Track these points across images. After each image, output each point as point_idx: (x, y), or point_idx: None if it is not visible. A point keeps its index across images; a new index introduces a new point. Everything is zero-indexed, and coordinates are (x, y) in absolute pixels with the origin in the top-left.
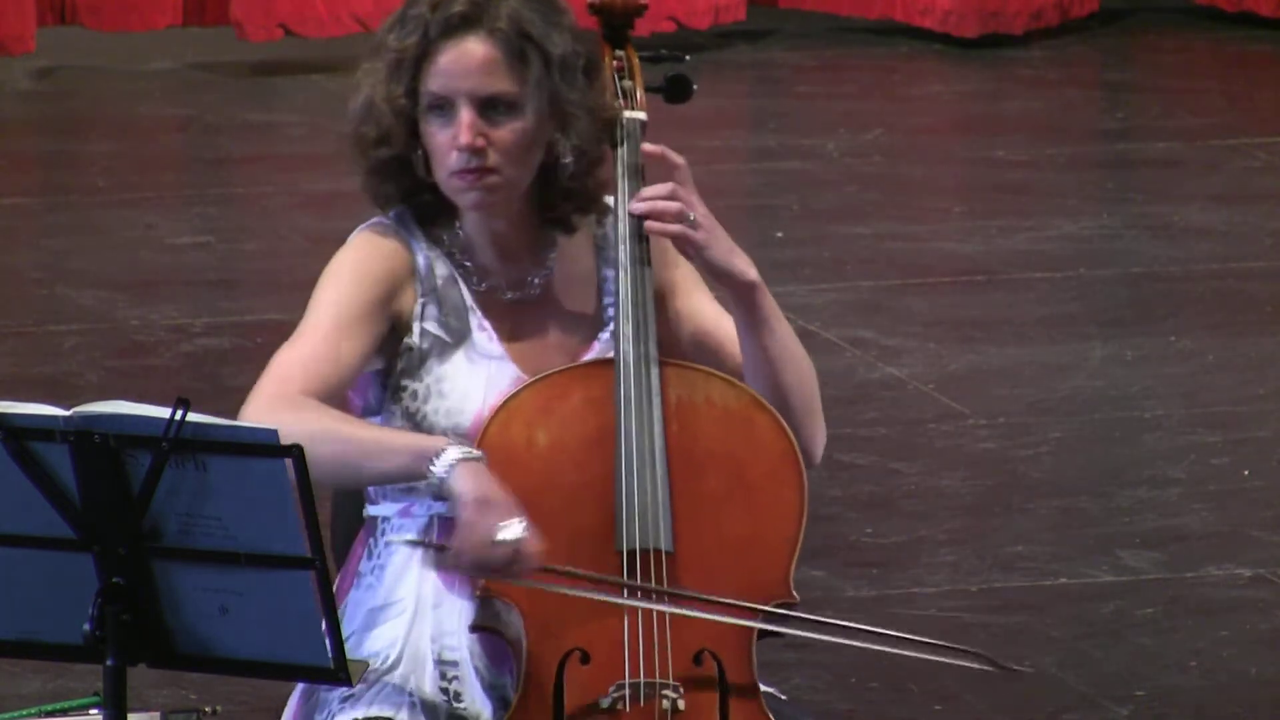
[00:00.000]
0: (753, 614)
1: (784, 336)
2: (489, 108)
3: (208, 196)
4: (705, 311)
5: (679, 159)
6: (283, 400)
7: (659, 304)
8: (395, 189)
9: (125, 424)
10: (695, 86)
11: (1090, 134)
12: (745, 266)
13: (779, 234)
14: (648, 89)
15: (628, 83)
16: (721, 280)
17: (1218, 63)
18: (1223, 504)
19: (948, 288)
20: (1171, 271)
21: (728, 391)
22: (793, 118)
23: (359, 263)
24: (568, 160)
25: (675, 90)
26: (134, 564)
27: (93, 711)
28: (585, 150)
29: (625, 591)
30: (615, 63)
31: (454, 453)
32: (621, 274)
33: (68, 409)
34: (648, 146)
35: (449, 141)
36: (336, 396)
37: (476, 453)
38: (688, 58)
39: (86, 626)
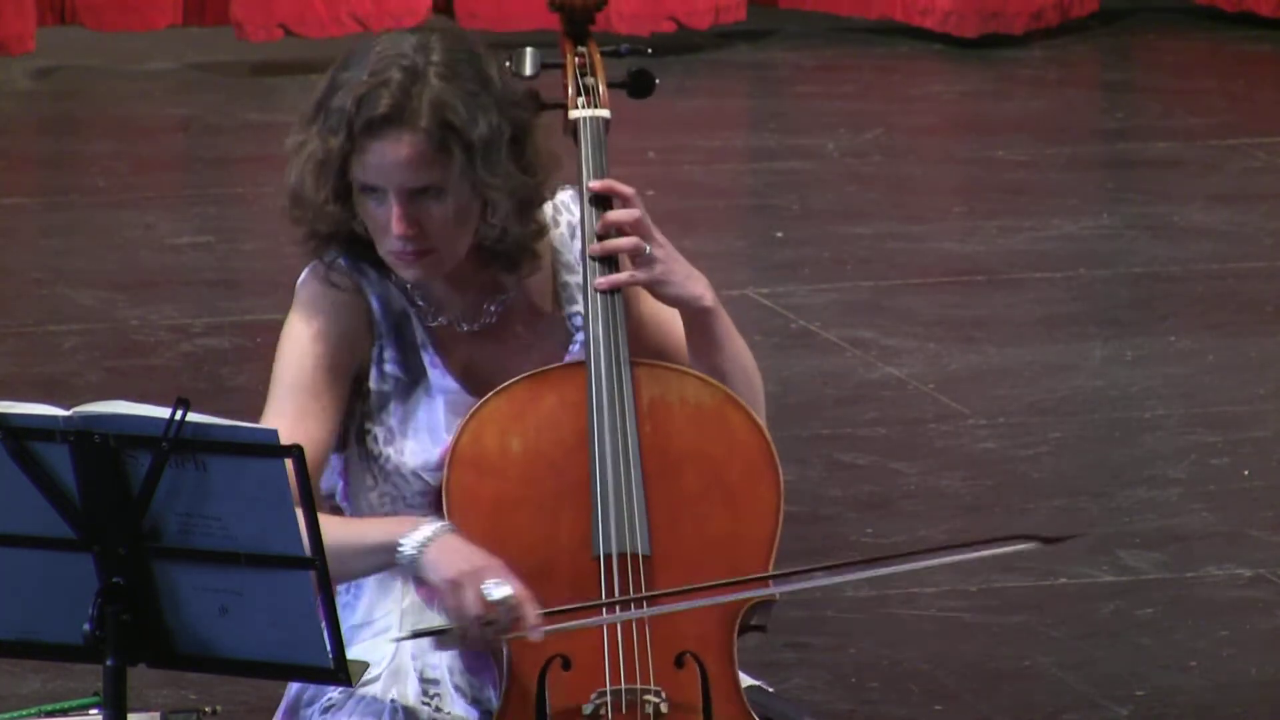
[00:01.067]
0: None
1: (735, 353)
2: (417, 194)
3: (208, 196)
4: (670, 318)
5: (627, 189)
6: None
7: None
8: (338, 246)
9: (125, 424)
10: (658, 81)
11: (1090, 134)
12: (701, 291)
13: (779, 234)
14: (611, 85)
15: (590, 79)
16: (678, 307)
17: (1218, 63)
18: (1223, 504)
19: (948, 288)
20: (1171, 271)
21: (701, 390)
22: (793, 118)
23: (313, 333)
24: (491, 237)
25: (638, 85)
26: (134, 564)
27: (93, 711)
28: (506, 229)
29: (631, 605)
30: (577, 59)
31: (415, 539)
32: (589, 279)
33: (68, 409)
34: (594, 183)
35: (385, 223)
36: (325, 452)
37: (439, 527)
38: (650, 51)
39: (86, 626)
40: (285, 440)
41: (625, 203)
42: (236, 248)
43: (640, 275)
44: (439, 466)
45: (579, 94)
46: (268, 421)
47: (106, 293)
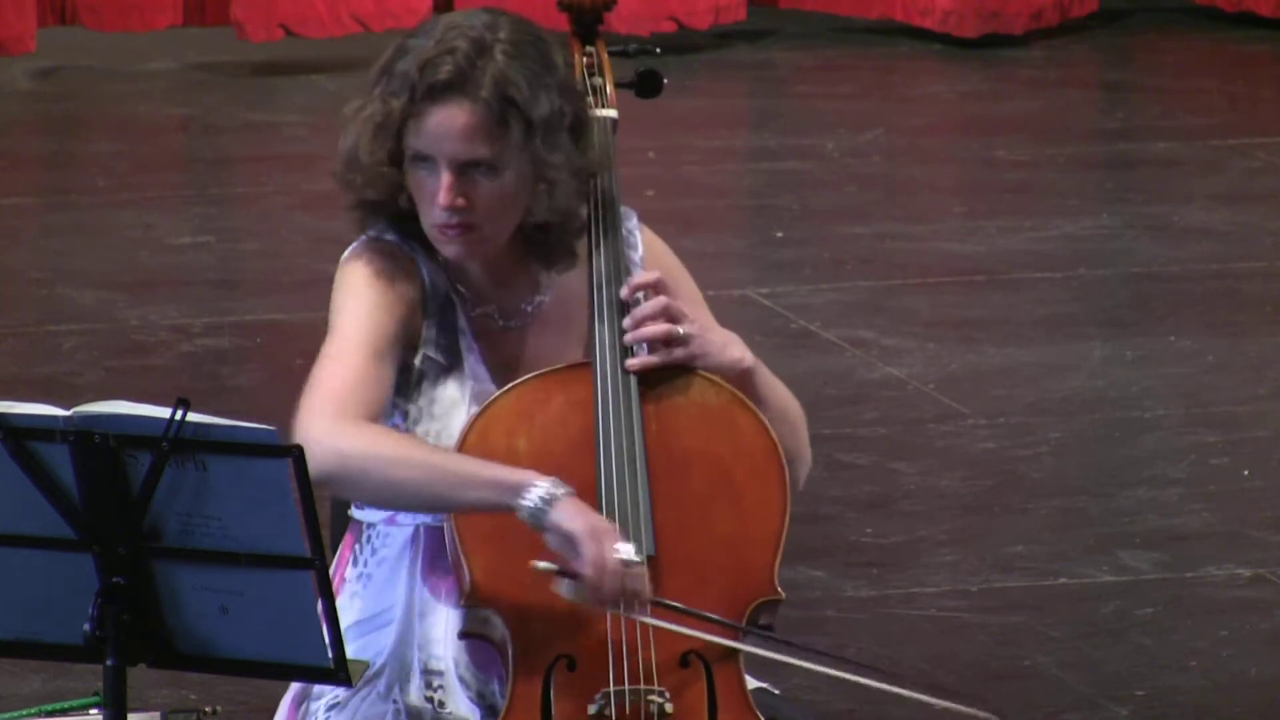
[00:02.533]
0: (739, 634)
1: (776, 402)
2: (469, 167)
3: (208, 196)
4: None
5: (651, 276)
6: (349, 423)
7: None
8: (386, 220)
9: (125, 424)
10: (665, 80)
11: (1090, 134)
12: (739, 355)
13: (779, 234)
14: (618, 85)
15: (598, 79)
16: (719, 374)
17: (1218, 63)
18: (1223, 504)
19: (948, 288)
20: (1171, 271)
21: (708, 390)
22: (793, 118)
23: (383, 281)
24: (544, 219)
25: (646, 85)
26: (134, 564)
27: (93, 711)
28: (569, 211)
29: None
30: (585, 59)
31: (544, 486)
32: (595, 277)
33: (68, 409)
34: (623, 291)
35: (431, 194)
36: (382, 419)
37: (565, 487)
38: (659, 51)
39: (86, 626)
40: (358, 376)
41: (651, 290)
42: (236, 248)
43: (678, 354)
44: None
45: (587, 94)
46: (344, 356)
47: (106, 293)
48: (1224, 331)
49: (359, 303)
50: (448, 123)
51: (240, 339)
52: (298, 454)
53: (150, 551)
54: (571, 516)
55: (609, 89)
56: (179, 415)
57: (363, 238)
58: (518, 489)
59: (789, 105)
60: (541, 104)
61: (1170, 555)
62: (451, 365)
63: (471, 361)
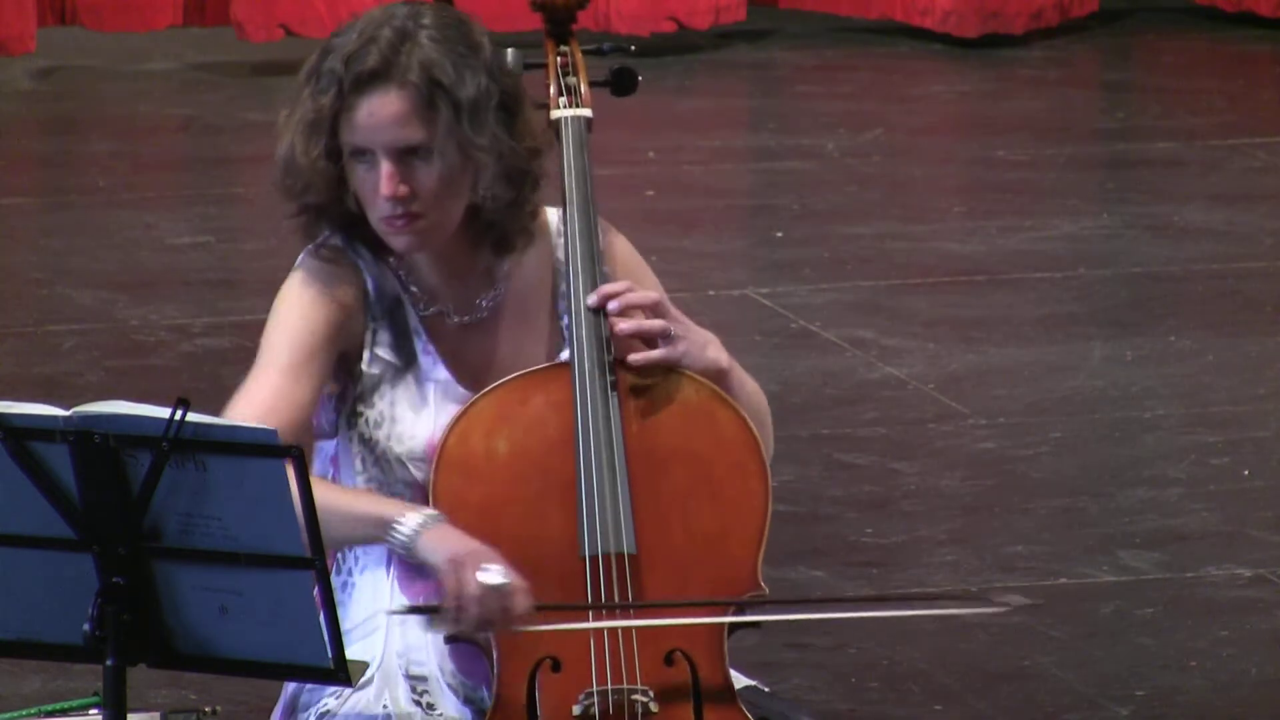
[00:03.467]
0: (725, 609)
1: (749, 401)
2: (407, 155)
3: (208, 196)
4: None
5: (618, 287)
6: None
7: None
8: (329, 227)
9: (125, 424)
10: (640, 78)
11: (1090, 134)
12: (717, 355)
13: (779, 234)
14: (593, 84)
15: (572, 79)
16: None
17: (1218, 63)
18: (1223, 504)
19: (948, 288)
20: (1171, 271)
21: (687, 387)
22: (793, 118)
23: (307, 296)
24: (484, 201)
25: (620, 83)
26: (134, 564)
27: (93, 711)
28: (497, 194)
29: (618, 613)
30: (559, 59)
31: (413, 520)
32: (572, 277)
33: (68, 409)
34: (592, 299)
35: (375, 189)
36: (298, 436)
37: (433, 513)
38: (633, 49)
39: (86, 626)
40: (272, 394)
41: (649, 298)
42: (236, 248)
43: (669, 353)
44: (424, 456)
45: (561, 93)
46: (258, 380)
47: (106, 293)
48: (1224, 331)
49: (280, 322)
50: (379, 111)
51: (240, 339)
52: (297, 454)
53: (150, 551)
54: (434, 548)
55: (584, 88)
56: (179, 415)
57: (305, 251)
58: (389, 524)
59: (789, 105)
60: (467, 85)
61: (1170, 555)
62: (407, 366)
63: (428, 362)
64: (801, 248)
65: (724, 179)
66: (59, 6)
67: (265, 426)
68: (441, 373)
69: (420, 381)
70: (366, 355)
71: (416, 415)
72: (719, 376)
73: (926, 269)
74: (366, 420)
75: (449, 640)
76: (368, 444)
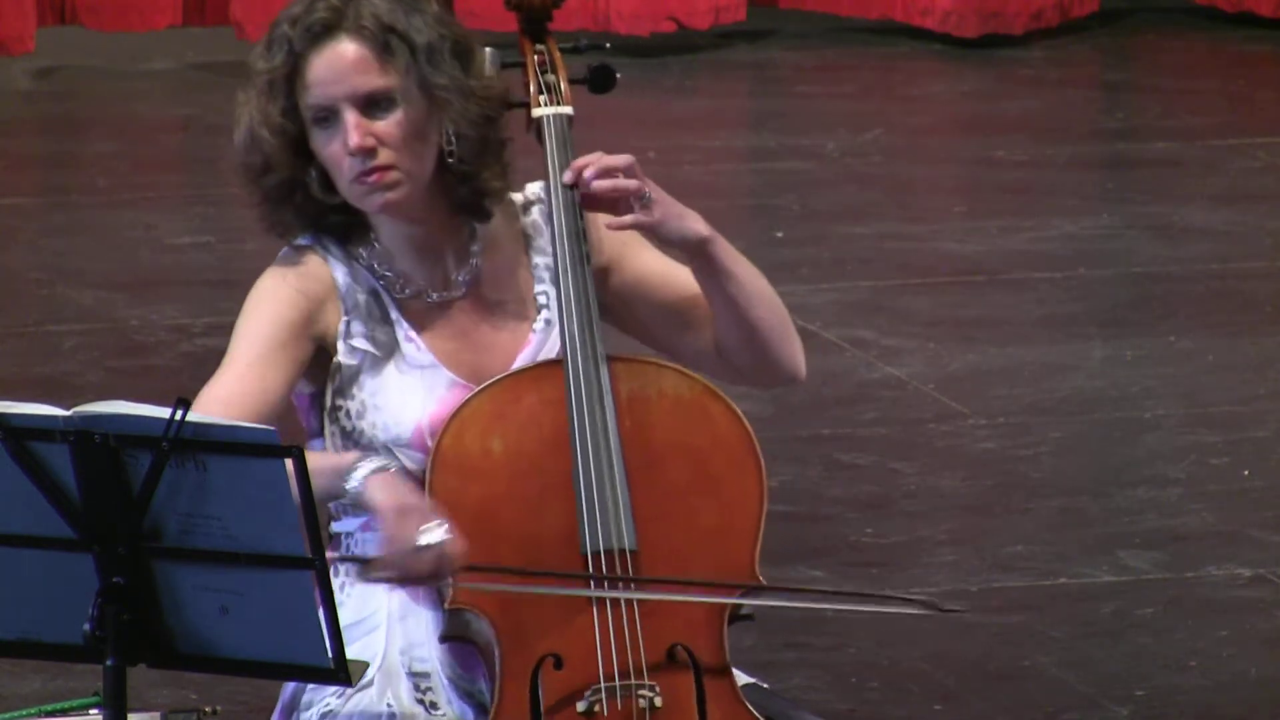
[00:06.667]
0: (712, 590)
1: (744, 277)
2: (370, 106)
3: (208, 196)
4: (665, 271)
5: (594, 157)
6: None
7: (611, 280)
8: (295, 217)
9: (125, 424)
10: (619, 75)
11: (1090, 134)
12: (696, 226)
13: (779, 234)
14: (571, 81)
15: (551, 77)
16: (681, 246)
17: (1218, 63)
18: (1223, 504)
19: (948, 288)
20: (1171, 271)
21: (680, 382)
22: (793, 118)
23: (275, 290)
24: (451, 145)
25: (599, 81)
26: (134, 564)
27: (93, 711)
28: (464, 134)
29: (592, 584)
30: (537, 57)
31: (365, 466)
32: (561, 275)
33: (68, 409)
34: (567, 175)
35: (340, 150)
36: (259, 420)
37: (387, 463)
38: (609, 45)
39: (86, 626)
40: (232, 389)
41: (619, 159)
42: (236, 248)
43: (644, 218)
44: (412, 444)
45: (541, 91)
46: (224, 373)
47: (106, 293)
48: (1224, 331)
49: (250, 313)
50: (336, 62)
51: None
52: (297, 454)
53: (150, 551)
54: (381, 494)
55: (563, 86)
56: (179, 415)
57: (282, 252)
58: (344, 471)
59: (789, 105)
60: (420, 30)
61: (1170, 555)
62: (388, 354)
63: (410, 348)
64: (801, 248)
65: (724, 179)
66: (59, 6)
67: (265, 427)
68: (426, 357)
69: (401, 369)
70: (341, 346)
71: (401, 402)
72: (704, 246)
73: (926, 269)
74: (347, 413)
75: (445, 639)
76: (350, 436)
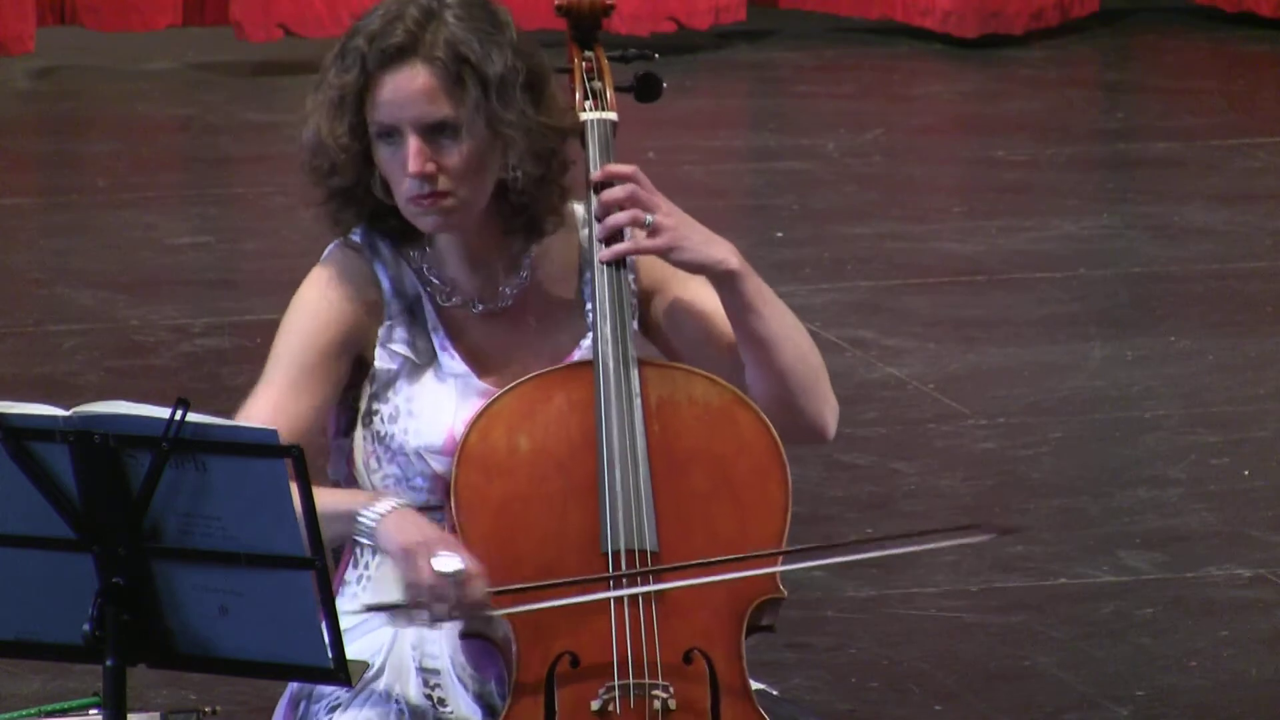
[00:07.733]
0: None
1: (773, 318)
2: (434, 133)
3: (208, 196)
4: (707, 311)
5: (625, 168)
6: None
7: (653, 302)
8: (354, 215)
9: (125, 424)
10: (665, 84)
11: (1090, 134)
12: (723, 256)
13: (779, 234)
14: (617, 89)
15: (597, 84)
16: (702, 273)
17: (1218, 63)
18: (1223, 504)
19: (948, 288)
20: (1171, 271)
21: (709, 389)
22: (793, 118)
23: (316, 306)
24: (512, 174)
25: (645, 89)
26: (134, 564)
27: (93, 711)
28: (526, 171)
29: (612, 584)
30: (584, 64)
31: (376, 509)
32: (596, 276)
33: (68, 409)
34: (595, 174)
35: (401, 168)
36: (307, 435)
37: (394, 503)
38: (657, 56)
39: (86, 626)
40: (272, 410)
41: (624, 180)
42: (236, 248)
43: (646, 244)
44: (443, 450)
45: (586, 97)
46: (265, 392)
47: (106, 293)
48: (1224, 331)
49: (296, 317)
50: (405, 86)
51: (240, 339)
52: (297, 454)
53: (150, 551)
54: (390, 537)
55: (609, 93)
56: (179, 415)
57: (330, 247)
58: (355, 516)
59: (789, 105)
60: (495, 62)
61: (1170, 555)
62: (426, 362)
63: (445, 357)
64: (801, 248)
65: (724, 179)
66: (59, 6)
67: (266, 427)
68: (460, 367)
69: (439, 377)
70: (380, 353)
71: (435, 409)
72: (728, 279)
73: (926, 269)
74: (381, 416)
75: (465, 636)
76: (383, 440)
